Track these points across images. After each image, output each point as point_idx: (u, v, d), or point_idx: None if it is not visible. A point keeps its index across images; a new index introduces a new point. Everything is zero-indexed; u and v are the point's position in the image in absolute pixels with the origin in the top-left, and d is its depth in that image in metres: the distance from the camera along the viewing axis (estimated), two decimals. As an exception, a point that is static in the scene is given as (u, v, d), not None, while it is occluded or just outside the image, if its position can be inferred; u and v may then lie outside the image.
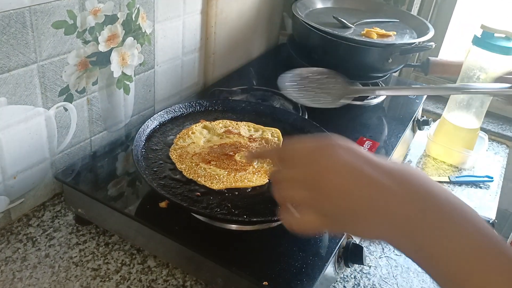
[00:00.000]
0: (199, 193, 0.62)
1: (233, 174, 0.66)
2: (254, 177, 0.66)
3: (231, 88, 0.97)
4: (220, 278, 0.60)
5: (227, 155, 0.68)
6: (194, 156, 0.68)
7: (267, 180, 0.66)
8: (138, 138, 0.69)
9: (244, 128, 0.78)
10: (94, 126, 0.79)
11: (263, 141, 0.74)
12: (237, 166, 0.67)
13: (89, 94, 0.75)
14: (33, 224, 0.71)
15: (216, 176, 0.65)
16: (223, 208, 0.60)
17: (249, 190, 0.64)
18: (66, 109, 0.72)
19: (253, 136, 0.75)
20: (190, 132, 0.74)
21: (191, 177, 0.65)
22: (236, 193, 0.63)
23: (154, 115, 0.75)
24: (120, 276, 0.64)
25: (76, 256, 0.66)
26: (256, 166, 0.68)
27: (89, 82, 0.74)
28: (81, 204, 0.69)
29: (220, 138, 0.74)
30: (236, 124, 0.78)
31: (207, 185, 0.63)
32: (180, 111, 0.80)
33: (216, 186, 0.63)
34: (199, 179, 0.64)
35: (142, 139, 0.70)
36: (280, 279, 0.56)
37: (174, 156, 0.68)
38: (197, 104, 0.82)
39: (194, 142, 0.71)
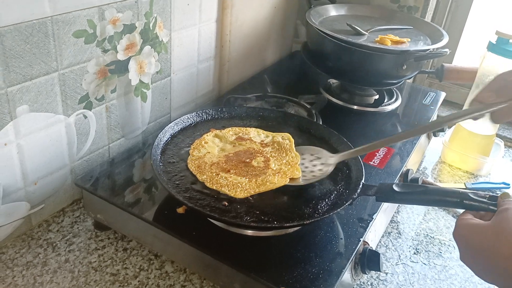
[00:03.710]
0: (226, 203, 0.62)
1: (254, 180, 0.66)
2: (276, 178, 0.66)
3: (246, 96, 0.98)
4: (237, 283, 0.60)
5: (244, 162, 0.69)
6: (212, 166, 0.68)
7: (288, 179, 0.66)
8: (154, 153, 0.69)
9: (254, 134, 0.78)
10: (112, 133, 0.80)
11: (275, 145, 0.74)
12: (256, 171, 0.68)
13: (108, 102, 0.76)
14: (53, 230, 0.72)
15: (239, 184, 0.65)
16: (253, 215, 0.60)
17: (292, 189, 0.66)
18: (85, 117, 0.73)
19: (265, 141, 0.76)
20: (203, 142, 0.74)
21: (214, 187, 0.65)
22: (261, 197, 0.64)
23: (165, 128, 0.75)
24: (138, 281, 0.65)
25: (95, 261, 0.67)
26: (274, 168, 0.68)
27: (108, 90, 0.76)
28: (100, 210, 0.70)
29: (233, 146, 0.74)
30: (246, 130, 0.78)
31: (232, 195, 0.64)
32: (188, 121, 0.79)
33: (240, 194, 0.64)
34: (222, 188, 0.64)
35: (158, 152, 0.70)
36: (297, 285, 0.56)
37: (193, 167, 0.68)
38: (203, 113, 0.82)
39: (209, 152, 0.72)
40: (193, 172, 0.67)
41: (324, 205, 0.64)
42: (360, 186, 0.65)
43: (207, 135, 0.76)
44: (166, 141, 0.74)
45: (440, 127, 0.81)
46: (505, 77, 0.65)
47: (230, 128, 0.79)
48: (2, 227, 0.67)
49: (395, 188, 0.61)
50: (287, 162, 0.70)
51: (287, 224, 0.60)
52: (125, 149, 0.82)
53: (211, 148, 0.73)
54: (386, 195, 0.63)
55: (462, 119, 0.66)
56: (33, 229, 0.71)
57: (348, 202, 0.62)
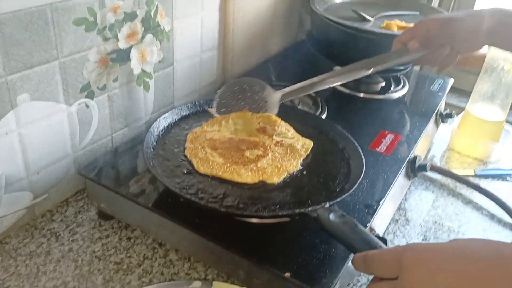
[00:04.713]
0: (184, 170, 0.63)
1: (228, 164, 0.64)
2: (246, 173, 0.63)
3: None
4: (242, 270, 0.59)
5: (239, 149, 0.67)
6: (206, 140, 0.67)
7: (257, 181, 0.63)
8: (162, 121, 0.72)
9: (283, 130, 0.74)
10: (115, 123, 0.79)
11: (288, 149, 0.70)
12: (240, 160, 0.65)
13: (110, 91, 0.76)
14: (57, 220, 0.71)
15: (210, 162, 0.64)
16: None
17: (279, 183, 0.64)
18: (87, 106, 0.73)
19: (282, 142, 0.71)
20: (223, 121, 0.73)
21: (188, 156, 0.65)
22: (262, 187, 0.63)
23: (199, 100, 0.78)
24: (142, 269, 0.64)
25: (99, 250, 0.67)
26: (259, 165, 0.65)
27: (110, 79, 0.75)
28: (103, 199, 0.69)
29: (249, 135, 0.72)
30: (278, 122, 0.74)
31: (195, 166, 0.64)
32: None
33: (202, 169, 0.63)
34: (193, 159, 0.65)
35: (160, 127, 0.72)
36: (302, 271, 0.55)
37: (191, 137, 0.68)
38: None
39: (219, 131, 0.71)
40: (187, 139, 0.68)
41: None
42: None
43: (235, 113, 0.74)
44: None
45: (371, 68, 0.78)
46: (428, 27, 0.74)
47: (268, 114, 0.75)
48: (5, 217, 0.67)
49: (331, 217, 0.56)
50: (280, 166, 0.66)
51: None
52: (129, 139, 0.81)
53: (224, 128, 0.72)
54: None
55: (389, 64, 0.75)
56: (36, 219, 0.71)
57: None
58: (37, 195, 0.70)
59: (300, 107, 0.91)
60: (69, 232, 0.69)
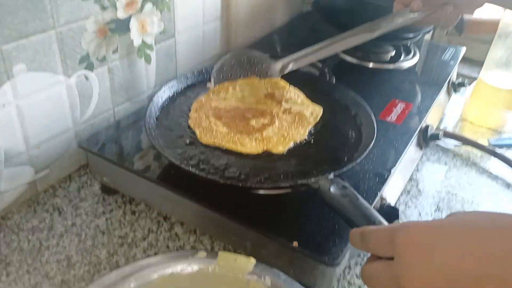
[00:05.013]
0: (187, 141, 0.61)
1: (232, 134, 0.62)
2: (250, 143, 0.61)
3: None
4: (248, 242, 0.58)
5: (244, 118, 0.65)
6: (211, 109, 0.65)
7: (261, 150, 0.61)
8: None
9: (292, 95, 0.71)
10: (116, 97, 0.77)
11: (296, 117, 0.67)
12: (245, 129, 0.63)
13: (110, 63, 0.73)
14: (59, 195, 0.70)
15: (214, 132, 0.62)
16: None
17: (284, 153, 0.61)
18: (87, 78, 0.71)
19: (290, 109, 0.69)
20: (230, 87, 0.70)
21: (192, 126, 0.63)
22: (267, 157, 0.60)
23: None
24: (147, 243, 0.63)
25: (103, 225, 0.65)
26: (264, 135, 0.63)
27: (109, 50, 0.72)
28: (106, 172, 0.67)
29: (257, 101, 0.69)
30: (288, 87, 0.72)
31: (198, 136, 0.62)
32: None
33: (204, 139, 0.61)
34: (196, 128, 0.62)
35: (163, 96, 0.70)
36: (311, 240, 0.53)
37: (196, 105, 0.66)
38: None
39: (225, 98, 0.68)
40: (192, 108, 0.66)
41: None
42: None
43: (242, 80, 0.72)
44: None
45: (375, 31, 0.73)
46: None
47: (276, 79, 0.72)
48: (6, 192, 0.65)
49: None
50: (286, 135, 0.63)
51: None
52: (131, 113, 0.79)
53: (231, 95, 0.69)
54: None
55: (393, 25, 0.72)
56: (38, 195, 0.70)
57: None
58: (38, 170, 0.69)
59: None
60: (72, 207, 0.68)
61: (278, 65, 0.73)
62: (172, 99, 0.71)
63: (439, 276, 0.35)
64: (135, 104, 0.81)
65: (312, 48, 0.73)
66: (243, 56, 0.75)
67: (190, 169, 0.56)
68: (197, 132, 0.63)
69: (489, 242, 0.34)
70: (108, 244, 0.62)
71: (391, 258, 0.39)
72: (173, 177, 0.62)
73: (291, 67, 0.73)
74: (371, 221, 0.48)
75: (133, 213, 0.67)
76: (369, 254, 0.43)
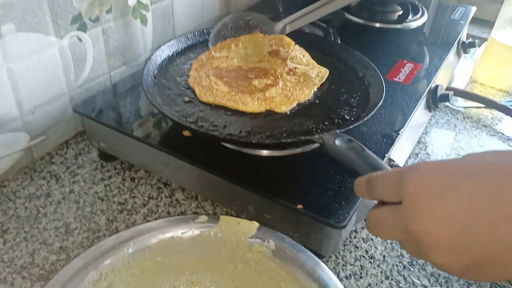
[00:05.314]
0: (186, 99, 0.59)
1: (233, 93, 0.59)
2: (252, 102, 0.58)
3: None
4: (251, 206, 0.56)
5: (247, 78, 0.62)
6: (212, 69, 0.62)
7: (263, 110, 0.58)
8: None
9: (297, 54, 0.68)
10: (112, 60, 0.74)
11: (301, 78, 0.64)
12: (247, 89, 0.60)
13: (104, 24, 0.70)
14: (56, 162, 0.68)
15: (214, 90, 0.59)
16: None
17: (287, 113, 0.59)
18: (80, 40, 0.67)
19: (296, 69, 0.66)
20: (233, 44, 0.67)
21: (191, 85, 0.61)
22: (269, 116, 0.58)
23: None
24: (147, 209, 0.61)
25: (102, 191, 0.63)
26: (267, 95, 0.60)
27: (103, 10, 0.69)
28: (103, 138, 0.65)
29: (260, 59, 0.66)
30: (293, 46, 0.69)
31: (197, 95, 0.59)
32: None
33: (204, 98, 0.59)
34: (196, 87, 0.60)
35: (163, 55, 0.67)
36: (315, 203, 0.51)
37: (196, 65, 0.63)
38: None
39: (227, 57, 0.65)
40: (192, 68, 0.63)
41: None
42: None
43: (244, 36, 0.69)
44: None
45: None
46: None
47: (280, 36, 0.69)
48: (2, 159, 0.63)
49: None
50: (290, 95, 0.60)
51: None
52: (128, 77, 0.76)
53: (234, 53, 0.66)
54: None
55: None
56: (35, 162, 0.68)
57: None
58: (33, 136, 0.66)
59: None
60: (70, 174, 0.66)
61: (278, 26, 0.70)
62: (171, 59, 0.68)
63: (451, 220, 0.32)
64: (132, 68, 0.78)
65: (313, 7, 0.70)
66: (242, 19, 0.72)
67: (189, 125, 0.54)
68: (197, 90, 0.60)
69: (509, 183, 0.31)
70: (107, 210, 0.60)
71: (399, 203, 0.35)
72: (173, 142, 0.60)
73: (291, 27, 0.70)
74: (378, 170, 0.45)
75: (133, 179, 0.65)
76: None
